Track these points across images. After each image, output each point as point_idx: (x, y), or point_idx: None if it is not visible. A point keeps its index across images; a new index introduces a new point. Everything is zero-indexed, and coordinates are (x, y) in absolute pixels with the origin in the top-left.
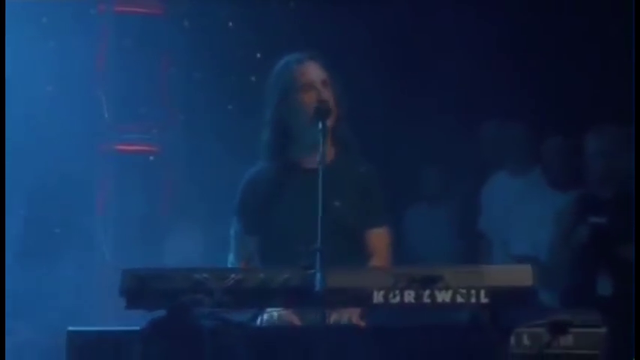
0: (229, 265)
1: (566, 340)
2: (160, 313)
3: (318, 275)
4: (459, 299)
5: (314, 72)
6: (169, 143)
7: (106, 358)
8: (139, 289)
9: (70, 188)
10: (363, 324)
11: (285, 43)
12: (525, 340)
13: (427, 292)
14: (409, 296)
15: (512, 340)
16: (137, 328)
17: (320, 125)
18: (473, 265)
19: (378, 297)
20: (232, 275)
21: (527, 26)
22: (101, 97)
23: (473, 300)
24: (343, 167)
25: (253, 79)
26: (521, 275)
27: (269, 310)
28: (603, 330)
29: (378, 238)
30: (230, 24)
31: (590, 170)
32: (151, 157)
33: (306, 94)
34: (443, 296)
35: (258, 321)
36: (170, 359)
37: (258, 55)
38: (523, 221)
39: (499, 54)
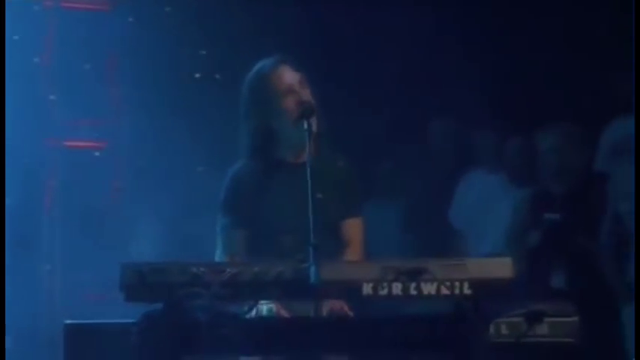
0: (217, 259)
1: (542, 329)
2: (156, 306)
3: (313, 268)
4: (444, 291)
5: (289, 75)
6: (116, 139)
7: (103, 351)
8: (137, 283)
9: (17, 184)
10: (350, 314)
11: (230, 40)
12: (504, 330)
13: (414, 285)
14: (397, 288)
15: (492, 329)
16: (133, 320)
17: (305, 125)
18: (457, 258)
19: (367, 289)
20: (228, 269)
21: (487, 27)
22: (48, 93)
23: (457, 291)
24: (323, 162)
25: (198, 75)
26: (502, 267)
27: (260, 302)
28: (576, 319)
29: (354, 227)
30: (174, 20)
31: (544, 167)
32: (97, 153)
33: (288, 98)
34: (429, 288)
35: (253, 312)
36: (166, 351)
37: (203, 52)
38: (488, 218)
39: (458, 53)
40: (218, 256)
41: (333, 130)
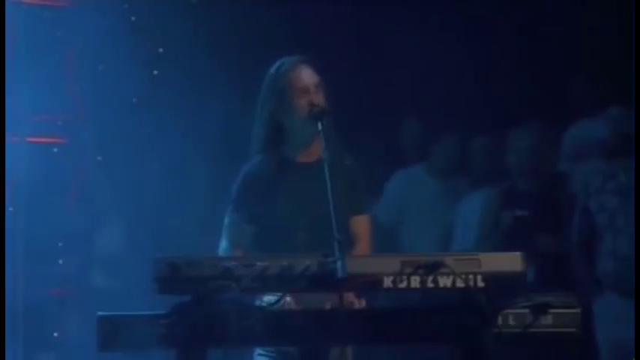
0: (221, 252)
1: (547, 319)
2: (186, 298)
3: (340, 263)
4: (459, 284)
5: (307, 76)
6: (76, 135)
7: (135, 341)
8: (171, 276)
9: None
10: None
11: (186, 38)
12: (511, 321)
13: (431, 278)
14: (415, 281)
15: (500, 320)
16: (164, 312)
17: (320, 126)
18: (470, 253)
19: (387, 282)
20: (259, 263)
21: (459, 26)
22: (10, 89)
23: (471, 284)
24: (332, 161)
25: (156, 72)
26: (513, 262)
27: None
28: (578, 311)
29: (361, 224)
30: (133, 18)
31: (515, 166)
32: (55, 149)
33: (302, 99)
34: (445, 281)
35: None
36: (194, 341)
37: (161, 50)
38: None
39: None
40: (222, 249)
41: (341, 129)
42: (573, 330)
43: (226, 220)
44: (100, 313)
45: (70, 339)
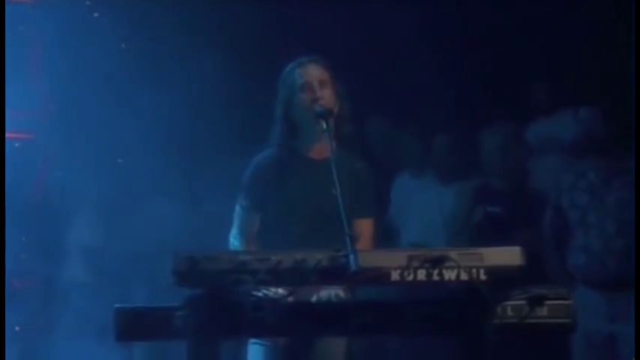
0: (231, 239)
1: (542, 310)
2: (201, 290)
3: (352, 257)
4: (463, 277)
5: (312, 73)
6: (40, 131)
7: (151, 332)
8: (189, 270)
9: None
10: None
11: (148, 35)
12: (509, 312)
13: (436, 271)
14: (421, 274)
15: (499, 311)
16: (178, 304)
17: (324, 125)
18: (474, 247)
19: (395, 275)
20: (273, 257)
21: (430, 26)
22: None
23: (474, 277)
24: (340, 161)
25: (118, 68)
26: (513, 256)
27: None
28: (571, 302)
29: (365, 225)
30: (95, 14)
31: (487, 163)
32: (16, 144)
33: (304, 94)
34: (449, 274)
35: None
36: (208, 333)
37: (123, 46)
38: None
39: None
40: (233, 234)
41: (355, 132)
42: (567, 320)
43: (237, 208)
44: (116, 305)
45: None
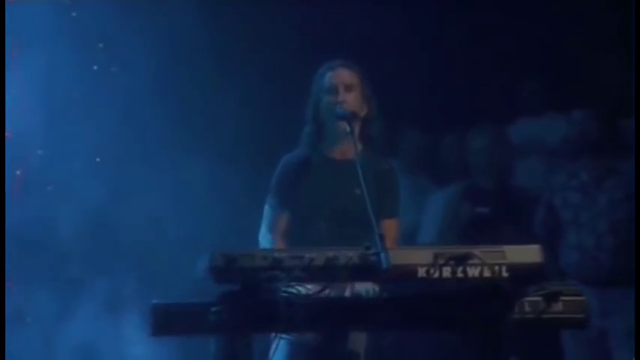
0: (261, 237)
1: (557, 306)
2: (235, 287)
3: (383, 255)
4: (486, 274)
5: (339, 77)
6: (19, 128)
7: (185, 327)
8: (225, 267)
9: None
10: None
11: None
12: (526, 307)
13: (460, 269)
14: (446, 272)
15: (517, 307)
16: (213, 300)
17: (348, 127)
18: (495, 245)
19: (421, 272)
20: (307, 255)
21: (416, 27)
22: None
23: (497, 274)
24: (366, 162)
25: (95, 67)
26: (533, 254)
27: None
28: (585, 298)
29: (390, 227)
30: (74, 14)
31: (474, 164)
32: None
33: (330, 97)
34: (473, 272)
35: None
36: (241, 328)
37: (101, 45)
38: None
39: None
40: (262, 233)
41: (382, 135)
42: (581, 316)
43: (265, 207)
44: (153, 301)
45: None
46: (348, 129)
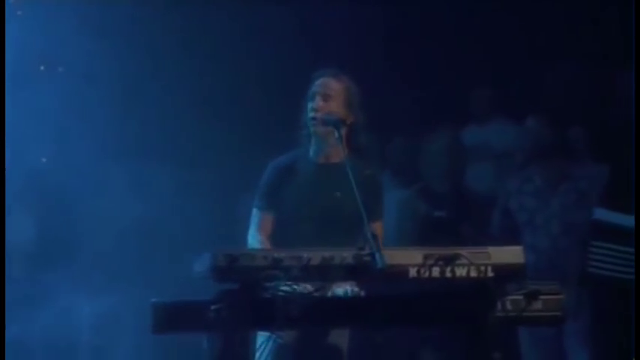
0: (249, 238)
1: (537, 304)
2: (233, 285)
3: (378, 255)
4: (473, 273)
5: (321, 86)
6: None
7: (186, 325)
8: (227, 266)
9: None
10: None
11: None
12: (508, 306)
13: (449, 269)
14: (435, 272)
15: (499, 305)
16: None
17: (336, 134)
18: (481, 247)
19: (412, 272)
20: (305, 255)
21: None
22: None
23: (482, 274)
24: (351, 167)
25: (42, 67)
26: (516, 255)
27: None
28: (562, 297)
29: (375, 229)
30: (19, 12)
31: (429, 167)
32: None
33: (310, 104)
34: (460, 271)
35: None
36: (240, 325)
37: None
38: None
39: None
40: (251, 233)
41: (367, 142)
42: (559, 313)
43: (253, 210)
44: (153, 299)
45: None
46: (337, 135)
